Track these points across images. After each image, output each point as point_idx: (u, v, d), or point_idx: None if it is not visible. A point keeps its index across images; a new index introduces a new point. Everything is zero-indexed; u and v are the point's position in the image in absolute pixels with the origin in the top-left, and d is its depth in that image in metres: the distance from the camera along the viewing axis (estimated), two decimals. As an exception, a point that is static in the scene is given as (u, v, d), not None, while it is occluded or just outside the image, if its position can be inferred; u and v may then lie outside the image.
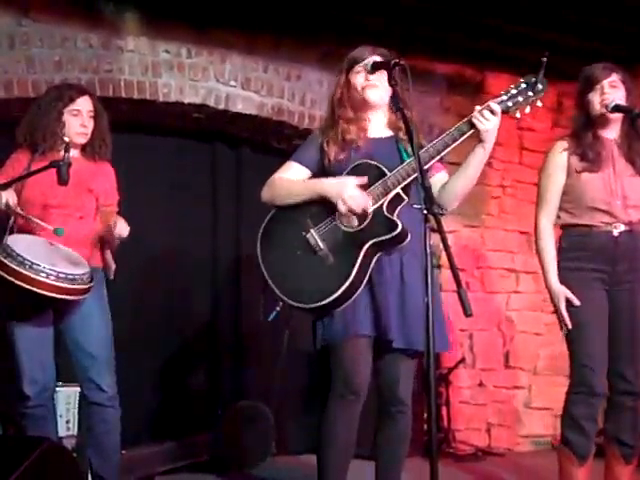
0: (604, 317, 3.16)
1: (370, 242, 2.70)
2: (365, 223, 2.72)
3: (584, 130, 3.23)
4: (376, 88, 2.83)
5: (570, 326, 3.14)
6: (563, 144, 3.26)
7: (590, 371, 3.10)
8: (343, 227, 2.75)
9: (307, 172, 2.90)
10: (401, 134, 2.85)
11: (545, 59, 2.66)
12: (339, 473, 2.75)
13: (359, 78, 2.85)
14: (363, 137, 2.85)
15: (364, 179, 2.73)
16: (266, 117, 4.83)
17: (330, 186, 2.75)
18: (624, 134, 3.25)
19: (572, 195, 3.22)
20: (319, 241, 2.74)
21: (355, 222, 2.74)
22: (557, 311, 3.20)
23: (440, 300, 2.90)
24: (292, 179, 2.88)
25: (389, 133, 2.90)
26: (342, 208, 2.70)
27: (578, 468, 3.12)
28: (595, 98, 3.19)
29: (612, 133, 3.25)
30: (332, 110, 2.92)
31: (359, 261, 2.67)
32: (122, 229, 3.08)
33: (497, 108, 2.71)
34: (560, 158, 3.24)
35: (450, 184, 2.85)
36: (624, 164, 3.22)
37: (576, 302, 3.13)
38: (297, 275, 2.74)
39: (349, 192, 2.70)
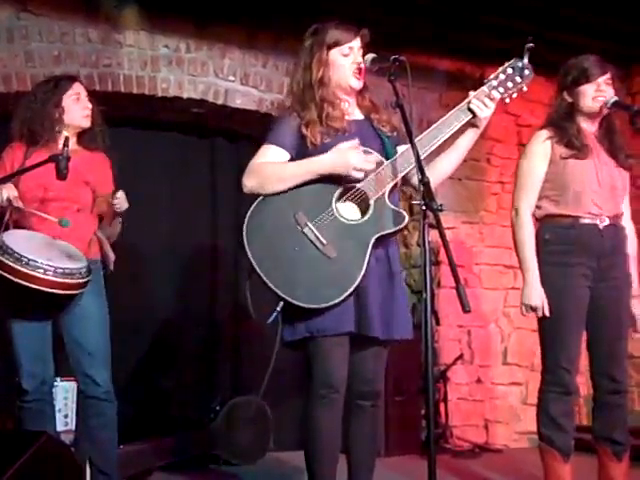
0: (583, 315, 3.13)
1: (378, 235, 2.62)
2: (369, 214, 2.63)
3: (568, 120, 3.20)
4: (363, 77, 2.77)
5: (545, 314, 3.10)
6: (546, 132, 3.21)
7: (567, 373, 3.10)
8: (345, 220, 2.64)
9: (287, 156, 2.73)
10: (373, 114, 2.82)
11: (531, 45, 2.70)
12: (328, 470, 2.69)
13: (348, 62, 2.75)
14: (346, 120, 2.75)
15: (355, 141, 2.64)
16: (265, 112, 4.82)
17: (331, 161, 2.62)
18: (606, 129, 3.25)
19: (557, 182, 3.16)
20: (320, 235, 2.60)
21: (358, 214, 2.66)
22: (528, 308, 3.14)
23: (404, 288, 2.84)
24: (279, 162, 2.72)
25: (361, 115, 2.84)
26: (358, 175, 2.61)
27: (564, 465, 3.11)
28: (589, 92, 3.17)
29: (593, 127, 3.24)
30: (309, 89, 2.76)
31: (367, 255, 2.59)
32: (122, 202, 3.07)
33: (497, 95, 2.73)
34: (543, 146, 3.19)
35: (437, 165, 2.80)
36: (606, 157, 3.21)
37: (547, 314, 3.09)
38: (299, 273, 2.59)
39: (354, 158, 2.60)
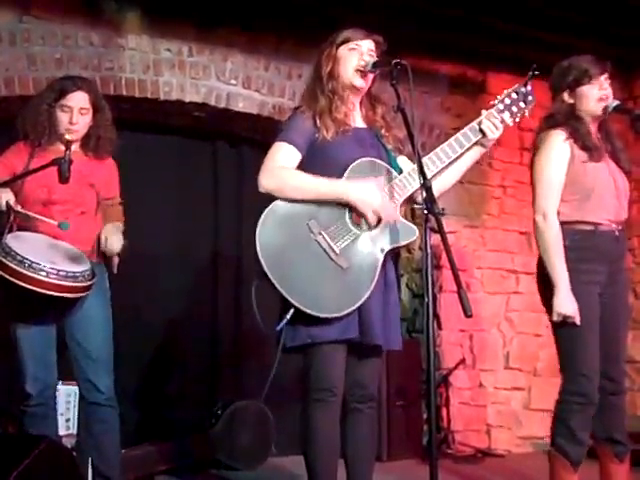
0: (598, 322, 3.08)
1: (389, 247, 2.66)
2: (380, 227, 2.67)
3: (577, 120, 3.14)
4: (365, 76, 2.77)
5: (575, 322, 3.02)
6: (562, 133, 3.12)
7: (588, 381, 3.04)
8: (357, 231, 2.66)
9: (299, 156, 2.73)
10: (383, 131, 2.83)
11: (536, 72, 2.76)
12: (328, 473, 2.70)
13: (352, 58, 2.76)
14: (349, 121, 2.77)
15: (382, 180, 2.69)
16: (267, 116, 4.83)
17: (356, 193, 2.64)
18: (605, 132, 3.22)
19: (577, 186, 3.09)
20: (333, 245, 2.62)
21: (372, 225, 2.68)
22: (561, 316, 3.04)
23: (397, 298, 2.85)
24: (302, 173, 2.70)
25: (364, 125, 2.85)
26: (372, 219, 2.65)
27: (573, 475, 3.08)
28: (593, 92, 3.13)
29: (593, 128, 3.20)
30: (320, 83, 2.79)
31: (378, 267, 2.64)
32: (113, 244, 3.06)
33: (509, 120, 2.80)
34: (564, 147, 3.10)
35: (438, 180, 2.80)
36: (609, 160, 3.18)
37: (578, 323, 3.01)
38: (312, 281, 2.59)
39: (378, 203, 2.64)
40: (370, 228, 2.68)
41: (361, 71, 2.75)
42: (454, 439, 4.99)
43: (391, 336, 2.73)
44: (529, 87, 2.82)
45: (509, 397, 5.36)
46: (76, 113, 3.14)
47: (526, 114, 2.85)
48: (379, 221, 2.68)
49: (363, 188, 2.65)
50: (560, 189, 3.10)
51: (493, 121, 2.78)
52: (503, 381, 5.35)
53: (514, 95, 2.82)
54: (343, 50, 2.79)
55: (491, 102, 2.85)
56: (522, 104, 2.83)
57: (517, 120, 2.86)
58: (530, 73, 2.79)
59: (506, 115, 2.81)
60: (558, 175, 3.10)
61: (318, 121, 2.72)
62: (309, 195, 2.66)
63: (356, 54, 2.77)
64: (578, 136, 3.11)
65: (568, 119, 3.15)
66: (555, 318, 3.07)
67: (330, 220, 2.65)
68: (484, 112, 2.80)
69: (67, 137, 2.98)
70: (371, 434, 2.84)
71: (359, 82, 2.77)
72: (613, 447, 3.15)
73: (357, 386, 2.78)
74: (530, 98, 2.83)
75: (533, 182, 3.19)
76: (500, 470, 4.60)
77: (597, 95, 3.13)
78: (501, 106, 2.81)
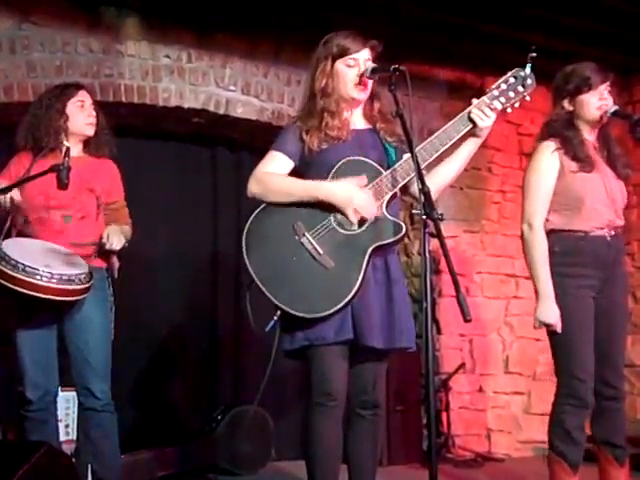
0: (592, 326, 3.10)
1: (375, 245, 2.63)
2: (366, 225, 2.66)
3: (571, 130, 3.15)
4: (366, 89, 2.78)
5: (557, 330, 3.06)
6: (553, 144, 3.15)
7: (583, 384, 3.06)
8: (342, 230, 2.66)
9: (291, 164, 2.77)
10: (379, 124, 2.83)
11: (534, 54, 2.69)
12: (329, 478, 2.68)
13: (351, 73, 2.76)
14: (346, 129, 2.77)
15: (363, 179, 2.67)
16: (266, 122, 4.83)
17: (336, 193, 2.64)
18: (603, 138, 3.23)
19: (567, 196, 3.12)
20: (317, 246, 2.63)
21: (355, 224, 2.67)
22: (542, 324, 3.08)
23: (407, 296, 2.82)
24: (284, 175, 2.75)
25: (367, 125, 2.85)
26: (353, 217, 2.64)
27: (572, 477, 3.09)
28: (592, 100, 3.14)
29: (592, 136, 3.21)
30: (312, 98, 2.80)
31: (364, 265, 2.61)
32: (114, 243, 3.06)
33: (498, 105, 2.72)
34: (553, 158, 3.13)
35: (437, 174, 2.81)
36: (607, 168, 3.20)
37: (559, 331, 3.05)
38: (297, 283, 2.62)
39: (359, 200, 2.63)
40: (356, 227, 2.66)
41: (360, 78, 2.74)
42: (454, 443, 4.98)
43: (400, 335, 2.68)
44: (528, 70, 2.73)
45: (509, 401, 5.36)
46: (90, 107, 3.22)
47: (526, 98, 2.75)
48: (363, 219, 2.66)
49: (341, 187, 2.65)
50: (547, 199, 3.14)
51: (483, 109, 2.71)
52: (503, 385, 5.35)
53: (512, 80, 2.74)
54: (340, 65, 2.77)
55: (487, 89, 2.79)
56: (521, 88, 2.73)
57: (516, 105, 2.77)
58: (529, 55, 2.71)
59: (500, 101, 2.73)
60: (545, 186, 3.14)
61: (305, 136, 2.74)
62: (289, 198, 2.69)
63: (354, 69, 2.75)
64: (570, 147, 3.13)
65: (564, 128, 3.16)
66: (536, 325, 3.12)
67: (315, 221, 2.66)
68: (474, 101, 2.75)
69: (67, 144, 2.99)
70: (373, 441, 2.81)
71: (359, 95, 2.78)
72: (612, 451, 3.16)
73: (360, 392, 2.76)
74: (529, 82, 2.73)
75: (522, 192, 3.25)
76: (500, 474, 4.60)
77: (596, 104, 3.14)
78: (496, 92, 2.73)
